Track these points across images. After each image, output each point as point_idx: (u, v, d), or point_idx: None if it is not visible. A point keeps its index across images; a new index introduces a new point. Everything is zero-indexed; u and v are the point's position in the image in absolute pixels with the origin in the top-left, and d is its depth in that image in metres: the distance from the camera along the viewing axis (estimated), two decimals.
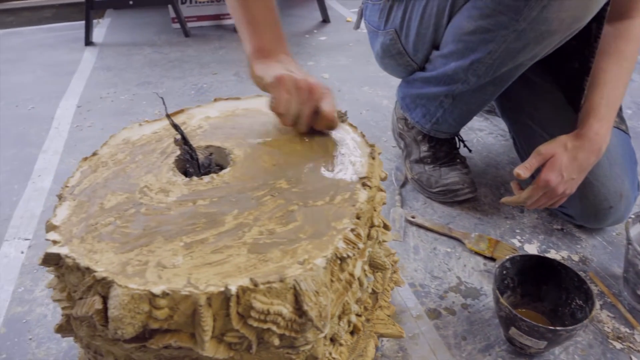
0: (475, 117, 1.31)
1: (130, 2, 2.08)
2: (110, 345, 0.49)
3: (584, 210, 0.87)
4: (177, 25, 2.16)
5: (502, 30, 0.79)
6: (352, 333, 0.60)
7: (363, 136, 0.65)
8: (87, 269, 0.44)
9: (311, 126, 0.63)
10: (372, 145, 0.62)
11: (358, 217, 0.50)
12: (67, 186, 0.56)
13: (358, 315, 0.60)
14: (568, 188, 0.82)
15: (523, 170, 0.80)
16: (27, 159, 1.21)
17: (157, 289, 0.41)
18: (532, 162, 0.81)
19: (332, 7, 2.44)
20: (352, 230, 0.48)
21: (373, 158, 0.60)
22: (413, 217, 0.95)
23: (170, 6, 2.09)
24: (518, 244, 0.90)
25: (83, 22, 2.03)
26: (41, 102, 1.52)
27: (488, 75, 0.86)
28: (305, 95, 0.60)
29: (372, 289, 0.64)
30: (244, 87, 1.57)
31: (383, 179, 0.62)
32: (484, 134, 1.26)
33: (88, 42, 2.02)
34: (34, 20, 2.44)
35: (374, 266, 0.60)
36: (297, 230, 0.49)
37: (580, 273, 0.71)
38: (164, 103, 0.59)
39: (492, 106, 1.33)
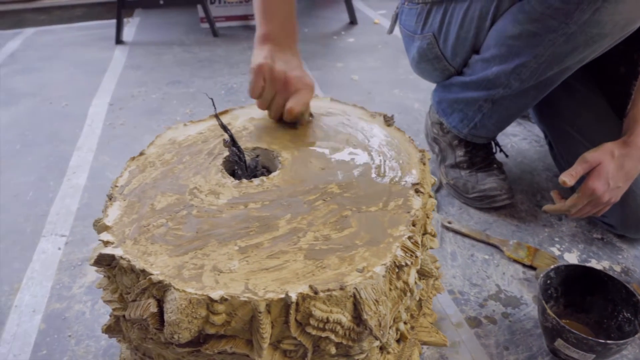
0: None
1: (161, 2, 2.10)
2: (162, 349, 0.48)
3: (626, 219, 0.85)
4: (206, 25, 2.18)
5: (550, 33, 0.77)
6: (398, 341, 0.59)
7: (412, 141, 0.64)
8: (143, 271, 0.44)
9: (280, 116, 0.68)
10: (422, 151, 0.61)
11: (414, 225, 0.49)
12: (116, 186, 0.57)
13: (405, 322, 0.59)
14: (613, 197, 0.80)
15: (568, 178, 0.79)
16: (62, 155, 1.23)
17: (215, 294, 0.41)
18: (577, 169, 0.79)
19: (359, 9, 2.43)
20: (410, 237, 0.48)
21: (424, 164, 0.59)
22: (449, 223, 0.94)
23: (199, 6, 2.11)
24: (557, 253, 0.88)
25: (113, 21, 2.06)
26: (74, 100, 1.54)
27: (532, 80, 0.84)
28: (278, 85, 0.65)
29: (419, 298, 0.63)
30: None
31: (432, 185, 0.61)
32: (518, 139, 1.23)
33: (119, 40, 2.04)
34: (65, 18, 2.48)
35: (422, 274, 0.59)
36: (352, 237, 0.48)
37: None
38: (213, 104, 0.59)
39: (526, 112, 1.31)
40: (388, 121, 0.69)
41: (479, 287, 0.81)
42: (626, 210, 0.85)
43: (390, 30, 1.13)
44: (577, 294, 0.73)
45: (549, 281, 0.72)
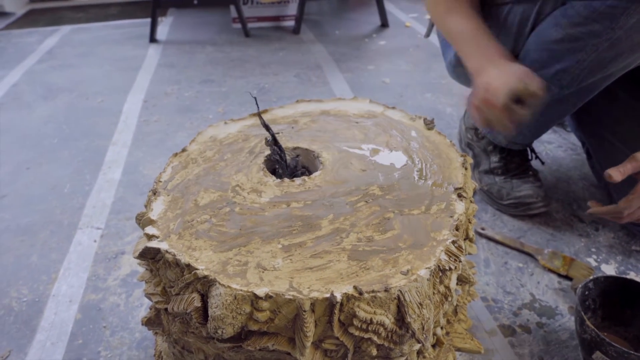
0: None
1: (195, 2, 2.13)
2: (203, 343, 0.49)
3: None
4: (238, 25, 2.20)
5: (593, 38, 0.75)
6: (434, 346, 0.59)
7: (453, 145, 0.64)
8: (188, 265, 0.45)
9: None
10: (463, 155, 0.61)
11: (457, 229, 0.49)
12: (160, 181, 0.58)
13: (442, 328, 0.58)
14: None
15: (615, 173, 0.75)
16: (98, 150, 1.25)
17: (260, 291, 0.41)
18: (627, 166, 0.75)
19: (390, 12, 2.42)
20: (454, 242, 0.47)
21: (465, 168, 0.59)
22: (483, 229, 0.92)
23: (232, 6, 2.13)
24: (594, 264, 0.86)
25: (147, 20, 2.10)
26: (110, 96, 1.57)
27: (572, 86, 0.82)
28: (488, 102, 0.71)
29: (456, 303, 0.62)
30: (305, 88, 1.58)
31: (474, 191, 0.60)
32: (553, 147, 1.21)
33: (152, 39, 2.08)
34: (101, 16, 2.53)
35: (460, 279, 0.58)
36: (396, 239, 0.48)
37: None
38: (256, 103, 0.59)
39: (563, 119, 1.28)
40: (428, 125, 0.68)
41: (513, 296, 0.79)
42: None
43: (428, 34, 1.12)
44: (616, 307, 0.71)
45: (587, 292, 0.70)
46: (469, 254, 0.62)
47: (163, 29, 2.26)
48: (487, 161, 1.03)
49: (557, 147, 1.21)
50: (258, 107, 0.61)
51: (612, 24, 0.73)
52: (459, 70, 1.03)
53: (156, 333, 0.64)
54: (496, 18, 0.89)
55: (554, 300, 0.79)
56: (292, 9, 2.23)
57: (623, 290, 0.70)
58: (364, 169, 0.59)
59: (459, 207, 0.52)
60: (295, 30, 2.15)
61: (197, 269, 0.44)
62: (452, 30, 0.85)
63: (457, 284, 0.60)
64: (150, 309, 0.55)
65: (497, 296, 0.79)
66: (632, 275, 0.83)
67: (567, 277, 0.82)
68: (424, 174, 0.58)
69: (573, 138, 1.23)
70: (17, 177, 1.15)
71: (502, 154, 1.02)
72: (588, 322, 0.64)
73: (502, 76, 0.71)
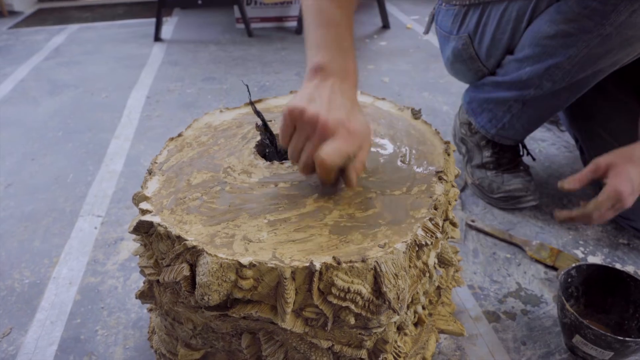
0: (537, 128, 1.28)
1: (199, 2, 2.17)
2: (191, 313, 0.52)
3: None
4: (241, 26, 2.23)
5: (585, 34, 0.77)
6: (416, 325, 0.61)
7: (438, 133, 0.66)
8: (178, 237, 0.47)
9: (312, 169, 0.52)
10: (446, 142, 0.63)
11: (435, 208, 0.51)
12: (155, 162, 0.60)
13: (423, 307, 0.61)
14: (632, 200, 0.77)
15: (572, 182, 0.76)
16: (101, 143, 1.29)
17: (244, 260, 0.44)
18: (585, 173, 0.77)
19: (392, 14, 2.45)
20: (431, 219, 0.50)
21: (448, 154, 0.61)
22: (473, 221, 0.94)
23: (235, 7, 2.17)
24: (581, 256, 0.87)
25: (152, 19, 2.14)
26: (114, 92, 1.61)
27: (564, 81, 0.84)
28: (309, 131, 0.50)
29: (437, 285, 0.64)
30: None
31: (456, 176, 0.62)
32: (547, 144, 1.23)
33: (157, 38, 2.12)
34: (107, 16, 2.58)
35: (442, 261, 0.60)
36: (376, 217, 0.50)
37: None
38: (248, 90, 0.62)
39: (555, 117, 1.30)
40: (415, 114, 0.71)
41: (499, 284, 0.81)
42: None
43: (427, 31, 1.15)
44: (598, 294, 0.73)
45: (569, 279, 0.72)
46: (452, 238, 0.64)
47: (168, 29, 2.30)
48: (480, 156, 1.05)
49: (551, 144, 1.23)
50: (250, 94, 0.64)
51: (603, 20, 0.75)
52: (457, 67, 1.06)
53: (150, 310, 0.66)
54: (494, 15, 0.91)
55: (539, 289, 0.81)
56: (295, 9, 2.26)
57: (605, 278, 0.72)
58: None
59: (439, 188, 0.54)
60: (298, 31, 2.18)
61: (186, 240, 0.47)
62: (325, 10, 0.61)
63: (439, 266, 0.63)
64: (144, 283, 0.58)
65: (483, 284, 0.81)
66: (617, 267, 0.85)
67: (554, 268, 0.84)
68: (408, 159, 0.60)
69: (567, 136, 1.25)
70: (23, 168, 1.18)
71: (494, 149, 1.04)
72: (568, 306, 0.66)
73: (348, 126, 0.51)
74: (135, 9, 2.70)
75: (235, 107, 0.75)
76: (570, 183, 0.77)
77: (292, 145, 0.52)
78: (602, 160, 0.77)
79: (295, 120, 0.51)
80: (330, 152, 0.49)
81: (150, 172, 0.58)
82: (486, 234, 0.93)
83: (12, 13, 2.64)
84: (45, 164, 1.20)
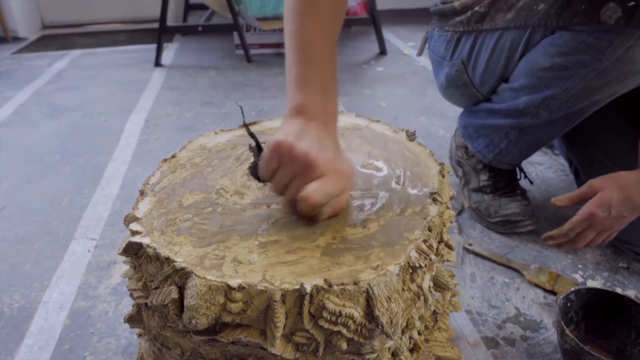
0: None
1: (199, 29, 2.20)
2: (180, 337, 0.50)
3: None
4: (241, 52, 2.26)
5: (581, 68, 0.77)
6: (411, 351, 0.59)
7: (432, 155, 0.66)
8: (167, 259, 0.47)
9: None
10: (441, 164, 0.63)
11: (430, 230, 0.51)
12: (148, 183, 0.60)
13: (419, 332, 0.59)
14: (616, 225, 0.78)
15: (564, 200, 0.79)
16: (98, 166, 1.28)
17: (234, 282, 0.43)
18: (578, 193, 0.78)
19: (389, 41, 2.49)
20: (425, 241, 0.49)
21: (442, 176, 0.60)
22: (470, 245, 0.93)
23: (235, 33, 2.20)
24: (580, 280, 0.86)
25: (154, 45, 2.17)
26: (113, 115, 1.62)
27: (561, 111, 0.84)
28: (297, 168, 0.50)
29: (433, 309, 0.63)
30: None
31: (451, 198, 0.62)
32: (544, 167, 1.23)
33: (157, 63, 2.14)
34: (110, 42, 2.61)
35: (438, 285, 0.59)
36: (369, 238, 0.49)
37: None
38: (242, 112, 0.62)
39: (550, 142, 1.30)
40: (410, 136, 0.71)
41: (498, 309, 0.80)
42: None
43: (420, 53, 1.16)
44: (599, 319, 0.71)
45: (569, 304, 0.71)
46: (448, 261, 0.63)
47: (169, 54, 2.33)
48: (477, 179, 1.05)
49: (547, 168, 1.23)
50: (244, 116, 0.64)
51: (599, 55, 0.75)
52: (451, 92, 1.06)
53: (139, 335, 0.65)
54: (487, 43, 0.91)
55: (538, 314, 0.79)
56: None
57: (606, 302, 0.71)
58: None
59: (433, 209, 0.54)
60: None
61: (175, 262, 0.46)
62: (307, 36, 0.58)
63: (435, 290, 0.61)
64: (133, 307, 0.57)
65: (481, 309, 0.80)
66: (617, 291, 0.83)
67: (553, 292, 0.83)
68: (402, 181, 0.60)
69: (563, 160, 1.25)
70: (18, 190, 1.17)
71: (491, 173, 1.04)
72: (568, 332, 0.64)
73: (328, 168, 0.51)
74: (138, 36, 2.74)
75: (230, 129, 0.75)
76: (562, 201, 0.80)
77: (277, 179, 0.52)
78: (595, 182, 0.78)
79: (283, 155, 0.51)
80: (317, 190, 0.49)
81: (142, 193, 0.58)
82: (484, 257, 0.92)
83: (16, 39, 2.68)
84: (41, 186, 1.19)
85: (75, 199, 1.14)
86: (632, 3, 0.68)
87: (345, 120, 0.77)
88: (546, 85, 0.83)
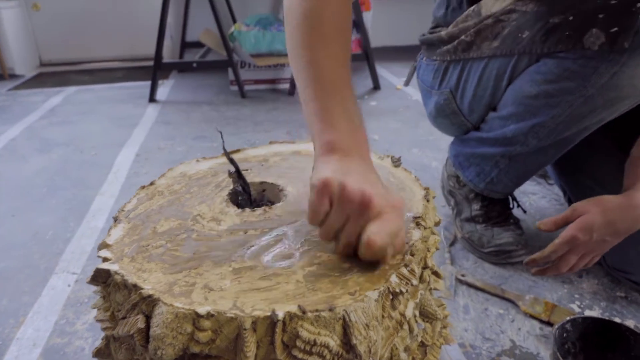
0: (527, 181, 1.27)
1: (194, 65, 2.23)
2: None
3: None
4: (235, 87, 2.28)
5: (567, 95, 0.77)
6: None
7: (417, 180, 0.64)
8: (135, 286, 0.44)
9: (354, 250, 0.47)
10: (426, 188, 0.61)
11: (412, 254, 0.48)
12: (123, 210, 0.58)
13: None
14: (598, 249, 0.77)
15: (548, 223, 0.79)
16: (85, 199, 1.27)
17: (202, 309, 0.40)
18: (562, 216, 0.78)
19: (382, 76, 2.52)
20: (406, 265, 0.46)
21: (427, 200, 0.59)
22: (463, 276, 0.90)
23: (229, 69, 2.22)
24: (577, 310, 0.83)
25: (149, 82, 2.19)
26: (104, 149, 1.61)
27: (549, 139, 0.83)
28: (352, 208, 0.46)
29: (422, 341, 0.60)
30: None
31: (437, 224, 0.60)
32: (537, 197, 1.21)
33: (152, 99, 2.15)
34: (106, 79, 2.65)
35: (425, 314, 0.56)
36: (348, 263, 0.47)
37: None
38: (222, 137, 0.61)
39: (544, 171, 1.29)
40: (395, 162, 0.69)
41: (492, 342, 0.76)
42: None
43: (407, 82, 1.16)
44: (597, 350, 0.68)
45: (565, 334, 0.68)
46: (436, 289, 0.61)
47: (164, 91, 2.36)
48: (469, 209, 1.03)
49: (541, 197, 1.21)
50: (223, 141, 0.63)
51: (585, 82, 0.74)
52: (440, 121, 1.06)
53: None
54: (474, 71, 0.91)
55: (535, 346, 0.76)
56: (287, 72, 2.32)
57: (603, 332, 0.68)
58: None
59: (416, 234, 0.52)
60: (290, 92, 2.23)
61: (142, 289, 0.43)
62: (321, 66, 0.54)
63: (423, 320, 0.58)
64: (102, 339, 0.54)
65: (475, 342, 0.76)
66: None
67: (549, 323, 0.80)
68: None
69: (557, 189, 1.23)
70: (1, 224, 1.15)
71: (483, 202, 1.02)
72: None
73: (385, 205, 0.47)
74: (134, 73, 2.77)
75: (213, 157, 0.74)
76: (546, 224, 0.79)
77: (330, 224, 0.47)
78: (578, 205, 0.77)
79: (333, 194, 0.46)
80: (380, 232, 0.44)
81: (115, 220, 0.56)
82: (477, 289, 0.89)
83: (13, 76, 2.71)
84: (25, 220, 1.17)
85: (59, 233, 1.11)
86: (615, 29, 0.68)
87: None
88: (534, 113, 0.82)
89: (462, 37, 0.91)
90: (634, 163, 0.82)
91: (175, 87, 2.43)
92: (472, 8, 0.90)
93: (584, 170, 0.94)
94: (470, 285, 0.89)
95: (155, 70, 2.11)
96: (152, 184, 0.65)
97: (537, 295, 0.86)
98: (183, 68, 2.70)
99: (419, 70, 1.08)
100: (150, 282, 0.45)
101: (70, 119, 1.95)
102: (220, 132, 0.61)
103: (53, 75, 2.77)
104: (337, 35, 0.55)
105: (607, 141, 0.94)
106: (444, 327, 0.69)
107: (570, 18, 0.73)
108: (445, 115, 1.01)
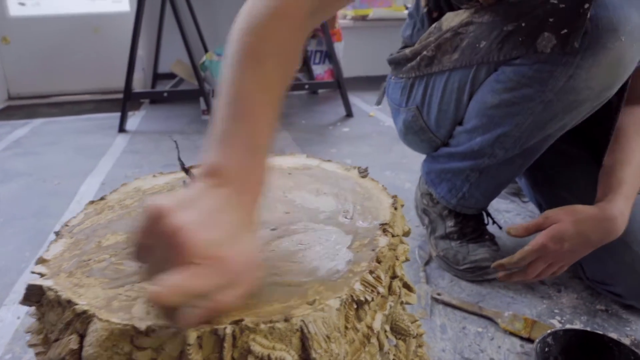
0: (500, 200, 1.26)
1: (165, 95, 2.20)
2: None
3: (635, 287, 0.79)
4: (207, 117, 2.26)
5: (528, 102, 0.77)
6: None
7: (384, 189, 0.61)
8: (69, 302, 0.39)
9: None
10: (394, 197, 0.58)
11: (379, 262, 0.45)
12: (67, 225, 0.53)
13: None
14: (567, 259, 0.77)
15: (519, 229, 0.79)
16: (43, 229, 1.20)
17: (141, 324, 0.36)
18: (534, 223, 0.78)
19: (355, 104, 2.53)
20: (371, 272, 0.43)
21: (395, 208, 0.56)
22: (439, 295, 0.87)
23: (201, 99, 2.20)
24: (558, 325, 0.80)
25: (119, 113, 2.14)
26: (68, 179, 1.55)
27: (516, 148, 0.82)
28: (161, 245, 0.36)
29: (393, 359, 0.55)
30: None
31: (406, 234, 0.57)
32: (512, 214, 1.20)
33: (122, 129, 2.11)
34: (76, 111, 2.59)
35: (397, 330, 0.52)
36: (308, 272, 0.43)
37: None
38: (177, 147, 0.57)
39: (517, 188, 1.29)
40: (362, 173, 0.66)
41: None
42: (634, 277, 0.79)
43: (379, 102, 1.16)
44: None
45: (547, 349, 0.64)
46: (407, 303, 0.57)
47: (134, 121, 2.31)
48: (443, 226, 1.01)
49: (516, 215, 1.20)
50: (178, 151, 0.59)
51: (543, 87, 0.74)
52: (410, 138, 1.04)
53: None
54: (437, 86, 0.91)
55: None
56: None
57: (586, 344, 0.65)
58: (287, 212, 0.55)
59: (383, 240, 0.48)
60: None
61: (77, 305, 0.39)
62: (240, 88, 0.46)
63: (395, 337, 0.54)
64: None
65: None
66: None
67: (530, 340, 0.76)
68: (351, 215, 0.54)
69: (531, 206, 1.22)
70: None
71: (457, 219, 0.99)
72: None
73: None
74: (105, 105, 2.73)
75: (171, 172, 0.70)
76: (517, 230, 0.79)
77: (151, 264, 0.38)
78: (551, 213, 0.77)
79: (153, 226, 0.36)
80: (170, 286, 0.34)
81: (57, 235, 0.51)
82: (454, 307, 0.85)
83: None
84: None
85: (13, 263, 1.04)
86: (565, 30, 0.68)
87: (295, 161, 0.73)
88: (497, 123, 0.82)
89: (424, 52, 0.90)
90: (607, 173, 0.81)
91: (146, 118, 2.39)
92: (434, 25, 0.91)
93: (559, 182, 0.93)
94: (446, 304, 0.86)
95: (125, 100, 2.08)
96: (102, 199, 0.60)
97: (516, 311, 0.83)
98: (154, 98, 2.67)
99: (388, 89, 1.07)
100: (87, 298, 0.40)
101: (35, 150, 1.89)
102: (175, 142, 0.57)
103: (21, 108, 2.71)
104: (273, 61, 0.47)
105: (582, 152, 0.93)
106: (420, 345, 0.64)
107: (523, 24, 0.73)
108: (414, 132, 1.00)
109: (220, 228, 0.38)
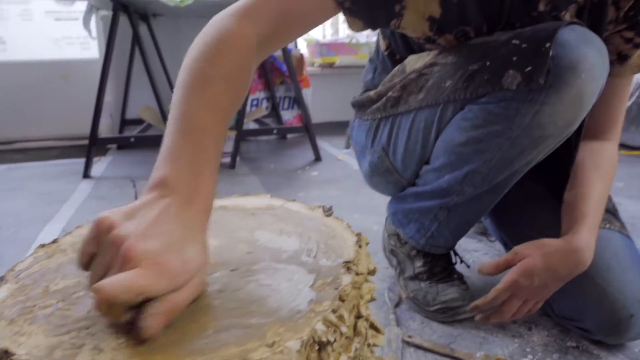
0: (468, 239, 1.27)
1: (132, 140, 2.18)
2: None
3: (602, 322, 0.79)
4: None
5: (495, 138, 0.78)
6: None
7: (349, 227, 0.61)
8: (6, 352, 0.36)
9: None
10: (358, 234, 0.57)
11: (342, 300, 0.44)
12: (13, 270, 0.50)
13: None
14: (540, 294, 0.78)
15: (489, 267, 0.79)
16: None
17: None
18: (504, 260, 0.78)
19: (323, 148, 2.56)
20: (334, 311, 0.41)
21: (360, 246, 0.55)
22: (410, 337, 0.85)
23: None
24: None
25: (85, 159, 2.10)
26: (26, 226, 1.49)
27: (484, 185, 0.83)
28: (110, 254, 0.40)
29: None
30: None
31: (371, 272, 0.56)
32: (480, 254, 1.20)
33: (86, 175, 2.06)
34: (41, 157, 2.53)
35: None
36: (269, 313, 0.41)
37: None
38: (134, 186, 0.56)
39: (483, 227, 1.30)
40: (327, 212, 0.66)
41: None
42: (602, 313, 0.79)
43: (347, 146, 1.16)
44: None
45: None
46: (375, 345, 0.55)
47: (100, 167, 2.27)
48: (412, 267, 1.00)
49: (484, 254, 1.20)
50: (136, 192, 0.57)
51: (509, 123, 0.76)
52: (376, 180, 1.05)
53: None
54: (404, 126, 0.92)
55: None
56: (229, 146, 2.30)
57: None
58: (249, 252, 0.54)
59: (346, 279, 0.47)
60: (231, 165, 2.20)
61: (14, 355, 0.36)
62: (188, 108, 0.50)
63: None
64: None
65: None
66: None
67: None
68: (314, 253, 0.53)
69: (498, 245, 1.23)
70: None
71: (426, 259, 0.99)
72: None
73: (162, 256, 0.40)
74: (71, 151, 2.67)
75: None
76: (487, 268, 0.79)
77: (94, 270, 0.41)
78: (519, 248, 0.77)
79: (100, 236, 0.41)
80: (113, 282, 0.36)
81: (1, 280, 0.48)
82: (426, 350, 0.83)
83: None
84: None
85: None
86: (529, 68, 0.71)
87: (259, 201, 0.72)
88: (465, 161, 0.83)
89: (390, 93, 0.92)
90: (569, 208, 0.83)
91: (112, 163, 2.35)
92: (397, 67, 0.93)
93: (522, 220, 0.94)
94: (418, 347, 0.84)
95: (90, 145, 2.04)
96: (54, 241, 0.57)
97: (488, 352, 0.82)
98: (122, 144, 2.63)
99: (352, 131, 1.08)
100: (27, 347, 0.37)
101: None
102: (133, 181, 0.56)
103: None
104: (218, 82, 0.51)
105: (539, 187, 0.95)
106: None
107: (488, 63, 0.75)
108: (380, 173, 1.01)
109: (163, 237, 0.41)
